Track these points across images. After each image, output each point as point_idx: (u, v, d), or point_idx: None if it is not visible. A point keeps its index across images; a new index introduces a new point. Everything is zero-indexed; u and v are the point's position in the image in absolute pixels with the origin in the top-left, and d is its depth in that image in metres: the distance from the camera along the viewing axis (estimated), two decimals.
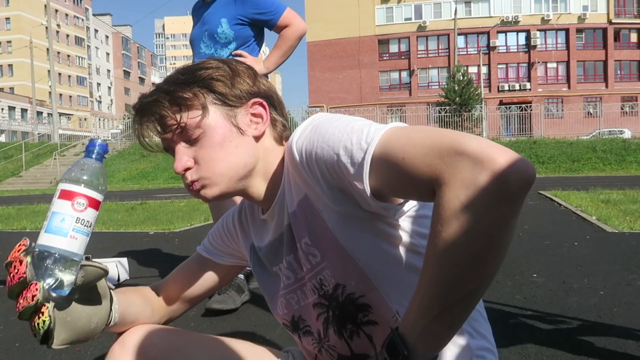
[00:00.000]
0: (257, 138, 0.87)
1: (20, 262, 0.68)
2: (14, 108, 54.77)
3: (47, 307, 0.70)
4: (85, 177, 0.73)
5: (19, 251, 0.70)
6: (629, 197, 6.84)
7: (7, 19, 58.23)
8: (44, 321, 0.70)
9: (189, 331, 0.99)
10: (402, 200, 0.76)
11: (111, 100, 77.90)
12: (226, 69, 0.86)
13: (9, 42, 58.05)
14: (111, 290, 0.85)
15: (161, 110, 0.82)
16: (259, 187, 0.89)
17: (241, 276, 2.41)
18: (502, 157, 0.58)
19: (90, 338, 0.80)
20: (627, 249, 3.59)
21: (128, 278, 3.14)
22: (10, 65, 58.87)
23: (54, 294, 0.70)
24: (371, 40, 39.87)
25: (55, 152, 24.01)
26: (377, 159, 0.67)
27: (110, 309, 0.84)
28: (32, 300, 0.67)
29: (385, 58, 40.61)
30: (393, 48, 40.63)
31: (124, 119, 31.49)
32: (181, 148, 0.84)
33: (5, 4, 58.14)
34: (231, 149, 0.84)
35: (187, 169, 0.84)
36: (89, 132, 52.61)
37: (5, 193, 16.94)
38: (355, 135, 0.70)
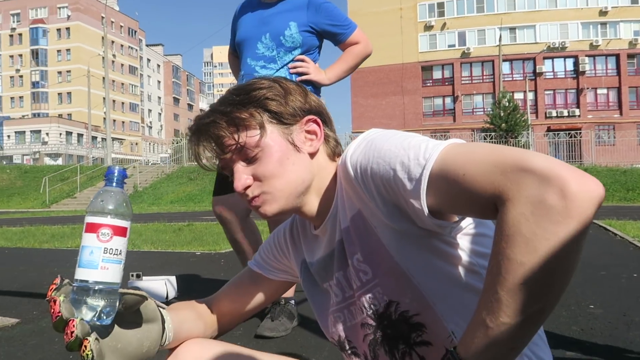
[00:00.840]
0: (312, 155, 0.87)
1: (55, 301, 0.71)
2: (71, 133, 57.76)
3: (89, 340, 0.72)
4: (108, 207, 0.74)
5: (51, 290, 0.73)
6: None
7: (68, 50, 61.95)
8: (87, 354, 0.72)
9: (240, 347, 0.99)
10: (457, 218, 0.74)
11: (161, 126, 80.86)
12: (278, 87, 0.87)
13: (69, 71, 61.59)
14: (163, 310, 0.86)
15: (219, 130, 0.83)
16: (312, 203, 0.89)
17: (293, 302, 2.39)
18: (570, 174, 0.57)
19: None
20: None
21: (176, 296, 3.20)
22: (69, 93, 62.31)
23: (97, 323, 0.73)
24: (414, 67, 39.93)
25: None
26: (435, 175, 0.67)
27: (163, 330, 0.85)
28: (72, 336, 0.70)
29: (428, 84, 40.52)
30: (437, 74, 40.52)
31: (173, 143, 32.56)
32: (240, 167, 0.85)
33: (66, 37, 61.96)
34: (289, 166, 0.84)
35: (247, 187, 0.85)
36: (140, 156, 54.67)
37: (61, 213, 17.72)
38: (412, 150, 0.70)
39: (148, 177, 26.02)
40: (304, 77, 2.25)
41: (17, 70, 62.93)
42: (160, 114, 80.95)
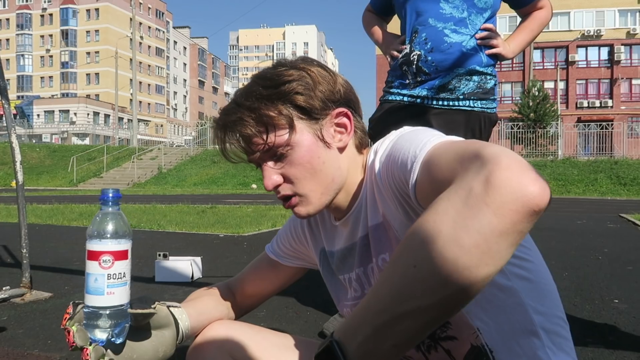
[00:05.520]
0: (341, 150, 0.85)
1: (69, 332, 0.74)
2: (99, 113, 58.76)
3: None
4: (106, 232, 0.75)
5: (65, 319, 0.76)
6: None
7: (97, 31, 62.78)
8: None
9: (265, 328, 1.00)
10: None
11: (186, 108, 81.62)
12: (308, 79, 0.82)
13: (97, 52, 62.46)
14: (177, 309, 0.89)
15: (247, 129, 0.81)
16: (339, 197, 0.87)
17: None
18: (507, 164, 0.51)
19: None
20: None
21: (201, 277, 3.28)
22: (97, 74, 63.28)
23: (112, 339, 0.76)
24: None
25: (134, 156, 25.49)
26: (422, 165, 0.67)
27: (178, 331, 0.87)
28: None
29: None
30: None
31: (197, 126, 32.87)
32: (269, 166, 0.83)
33: (95, 17, 62.74)
34: (320, 165, 0.82)
35: (278, 185, 0.84)
36: (165, 138, 55.43)
37: (88, 192, 18.15)
38: (413, 146, 0.70)
39: (172, 159, 26.39)
40: (492, 51, 1.89)
41: (47, 50, 64.13)
42: (185, 96, 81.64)
